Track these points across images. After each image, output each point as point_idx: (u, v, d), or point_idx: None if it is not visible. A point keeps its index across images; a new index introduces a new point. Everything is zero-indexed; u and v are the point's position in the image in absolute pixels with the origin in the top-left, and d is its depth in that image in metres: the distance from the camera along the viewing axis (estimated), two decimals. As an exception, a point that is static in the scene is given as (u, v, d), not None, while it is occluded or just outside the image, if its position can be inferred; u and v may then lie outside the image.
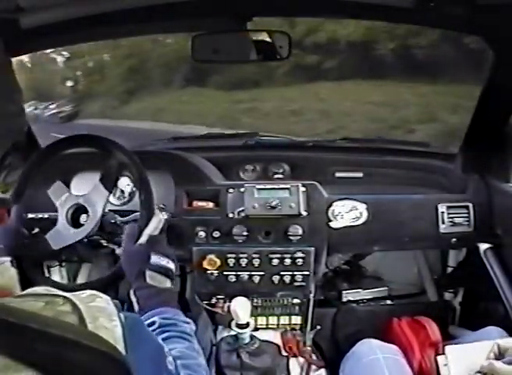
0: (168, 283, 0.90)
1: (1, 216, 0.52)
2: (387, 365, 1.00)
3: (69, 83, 18.01)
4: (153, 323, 0.78)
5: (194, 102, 12.05)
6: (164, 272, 0.90)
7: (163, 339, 0.74)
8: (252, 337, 1.21)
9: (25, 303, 0.42)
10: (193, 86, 12.98)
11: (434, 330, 1.27)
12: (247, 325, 1.18)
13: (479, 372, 0.83)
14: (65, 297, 0.45)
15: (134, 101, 14.62)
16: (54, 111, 15.95)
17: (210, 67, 10.51)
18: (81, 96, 17.31)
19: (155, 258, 0.90)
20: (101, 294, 0.53)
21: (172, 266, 0.93)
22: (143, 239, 0.95)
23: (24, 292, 0.46)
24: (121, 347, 0.46)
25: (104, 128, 10.76)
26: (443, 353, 0.93)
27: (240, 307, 1.16)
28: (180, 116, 11.39)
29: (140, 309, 0.85)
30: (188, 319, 0.84)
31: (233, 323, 1.18)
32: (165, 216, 1.28)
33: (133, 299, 0.87)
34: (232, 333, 1.22)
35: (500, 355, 0.80)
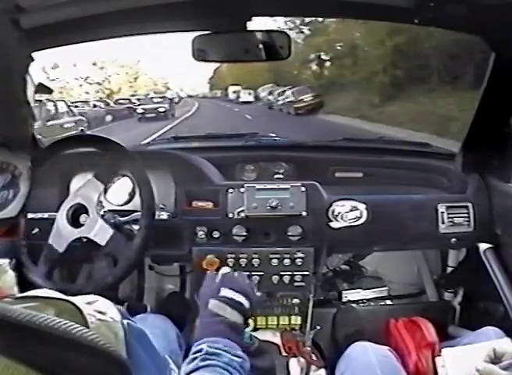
0: (236, 317, 0.85)
1: (11, 230, 0.51)
2: (381, 367, 1.00)
3: (312, 67, 15.18)
4: (199, 351, 0.74)
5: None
6: (233, 304, 0.85)
7: (202, 367, 0.71)
8: (251, 337, 1.21)
9: (24, 305, 0.42)
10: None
11: (430, 331, 1.27)
12: (247, 325, 1.18)
13: (478, 370, 0.83)
14: (66, 300, 0.45)
15: (401, 100, 10.18)
16: (289, 99, 14.22)
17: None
18: (326, 84, 14.61)
19: (226, 292, 0.87)
20: (104, 299, 0.53)
21: (243, 300, 0.88)
22: (217, 278, 0.93)
23: (24, 294, 0.45)
24: (123, 351, 0.45)
25: (355, 130, 8.51)
26: (440, 354, 0.93)
27: None
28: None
29: (197, 337, 0.80)
30: (242, 354, 0.78)
31: None
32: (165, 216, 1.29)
33: (196, 330, 0.85)
34: None
35: (497, 359, 0.80)
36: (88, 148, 1.21)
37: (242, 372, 0.74)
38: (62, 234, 1.12)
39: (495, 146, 1.28)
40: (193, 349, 0.76)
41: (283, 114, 14.37)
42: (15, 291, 0.48)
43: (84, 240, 1.12)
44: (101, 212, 1.15)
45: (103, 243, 1.12)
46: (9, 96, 0.46)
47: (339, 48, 14.63)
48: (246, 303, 0.88)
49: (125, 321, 0.50)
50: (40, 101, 7.83)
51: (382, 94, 11.09)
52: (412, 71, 10.37)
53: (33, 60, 0.51)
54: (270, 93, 16.01)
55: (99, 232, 1.12)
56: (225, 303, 0.85)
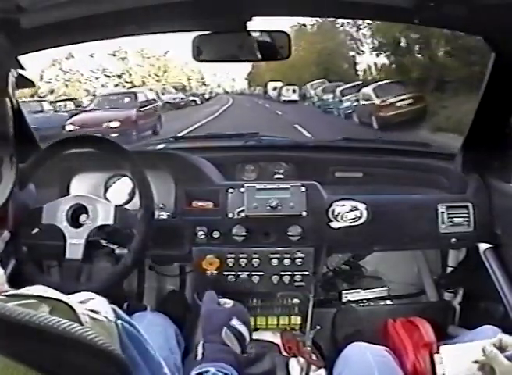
0: (238, 350, 0.88)
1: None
2: (378, 367, 1.00)
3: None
4: (206, 372, 0.76)
5: None
6: (239, 337, 0.88)
7: None
8: (245, 351, 1.21)
9: (16, 303, 0.42)
10: None
11: (428, 331, 1.27)
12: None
13: (476, 361, 0.83)
14: (59, 300, 0.45)
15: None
16: (370, 100, 9.36)
17: None
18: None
19: (236, 322, 0.89)
20: (97, 296, 0.52)
21: (247, 335, 0.91)
22: (228, 305, 0.96)
23: (17, 292, 0.45)
24: (117, 349, 0.45)
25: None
26: (438, 351, 0.94)
27: None
28: None
29: (202, 359, 0.83)
30: None
31: None
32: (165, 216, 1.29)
33: (200, 350, 0.86)
34: None
35: (501, 349, 0.81)
36: (88, 149, 1.21)
37: None
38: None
39: (495, 146, 1.28)
40: (199, 370, 0.77)
41: (350, 124, 10.32)
42: (6, 287, 0.48)
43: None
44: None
45: (103, 243, 1.12)
46: None
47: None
48: (247, 336, 0.91)
49: (119, 321, 0.50)
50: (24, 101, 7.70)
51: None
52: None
53: (17, 60, 0.51)
54: (324, 90, 12.88)
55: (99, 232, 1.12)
56: (233, 334, 0.88)
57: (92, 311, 0.46)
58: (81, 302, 0.48)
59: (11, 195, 0.50)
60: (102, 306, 0.50)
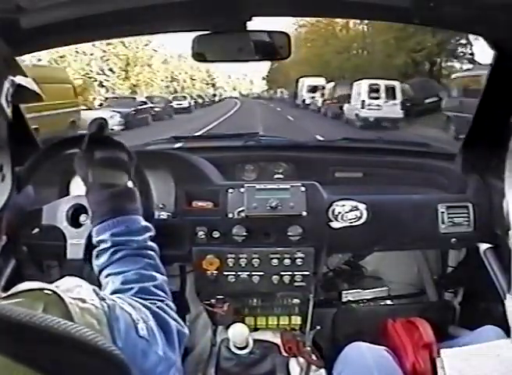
0: (124, 178, 0.78)
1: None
2: (377, 368, 1.00)
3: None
4: (104, 241, 0.72)
5: None
6: (114, 163, 0.77)
7: (117, 259, 0.70)
8: (251, 352, 1.21)
9: (10, 301, 0.42)
10: None
11: (427, 331, 1.26)
12: (246, 346, 1.18)
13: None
14: (49, 290, 0.46)
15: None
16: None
17: None
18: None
19: (99, 154, 0.77)
20: (83, 282, 0.54)
21: (123, 155, 0.79)
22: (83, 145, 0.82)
23: (9, 292, 0.46)
24: (107, 337, 0.47)
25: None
26: (439, 354, 0.94)
27: (238, 333, 1.17)
28: None
29: (92, 217, 0.76)
30: (147, 225, 0.76)
31: (231, 344, 1.19)
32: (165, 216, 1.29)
33: (87, 206, 0.79)
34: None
35: None
36: None
37: (152, 246, 0.75)
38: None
39: (495, 146, 1.28)
40: (96, 238, 0.74)
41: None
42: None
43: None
44: None
45: None
46: None
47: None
48: (123, 156, 0.80)
49: (104, 304, 0.51)
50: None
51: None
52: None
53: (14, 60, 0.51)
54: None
55: None
56: (104, 167, 0.77)
57: (80, 300, 0.48)
58: (68, 291, 0.48)
59: (9, 199, 0.50)
60: (88, 293, 0.51)
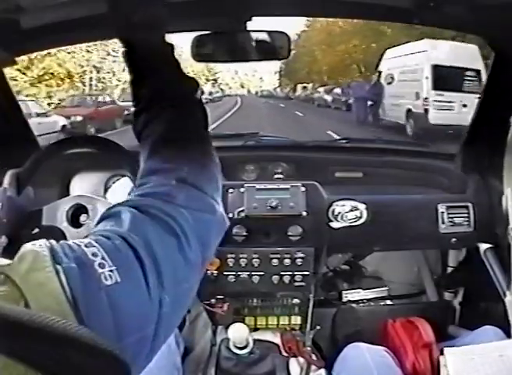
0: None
1: None
2: (377, 368, 1.00)
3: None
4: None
5: None
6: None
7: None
8: (251, 352, 1.21)
9: None
10: None
11: (427, 331, 1.27)
12: (246, 345, 1.18)
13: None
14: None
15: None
16: None
17: None
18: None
19: None
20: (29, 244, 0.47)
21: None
22: None
23: None
24: (71, 316, 0.41)
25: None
26: (442, 352, 0.94)
27: (238, 333, 1.16)
28: None
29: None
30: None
31: (231, 344, 1.19)
32: None
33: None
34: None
35: None
36: (88, 149, 1.20)
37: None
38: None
39: (495, 146, 1.28)
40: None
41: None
42: None
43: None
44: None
45: None
46: None
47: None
48: None
49: (59, 267, 0.43)
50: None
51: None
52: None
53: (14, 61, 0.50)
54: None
55: None
56: None
57: (36, 281, 0.43)
58: (21, 270, 0.44)
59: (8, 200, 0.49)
60: (43, 267, 0.44)
